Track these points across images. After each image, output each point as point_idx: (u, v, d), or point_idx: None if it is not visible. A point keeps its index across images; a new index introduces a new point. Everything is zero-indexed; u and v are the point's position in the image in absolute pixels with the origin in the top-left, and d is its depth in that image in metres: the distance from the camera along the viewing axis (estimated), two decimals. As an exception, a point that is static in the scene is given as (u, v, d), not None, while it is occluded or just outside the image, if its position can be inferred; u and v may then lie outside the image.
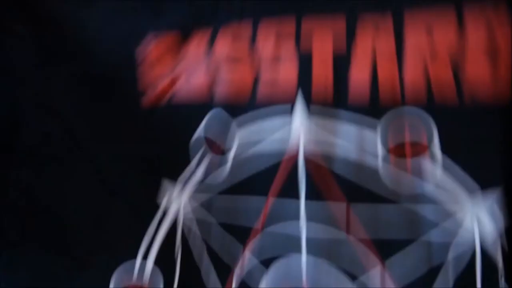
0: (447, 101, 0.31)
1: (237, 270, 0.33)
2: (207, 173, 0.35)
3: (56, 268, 0.37)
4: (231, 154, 0.35)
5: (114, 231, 0.37)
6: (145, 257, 0.35)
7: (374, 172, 0.31)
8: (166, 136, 0.37)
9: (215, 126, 0.35)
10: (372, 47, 0.32)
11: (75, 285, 0.36)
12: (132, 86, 0.38)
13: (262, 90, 0.35)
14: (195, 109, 0.36)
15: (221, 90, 0.35)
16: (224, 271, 0.33)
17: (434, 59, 0.31)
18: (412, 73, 0.31)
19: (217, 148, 0.35)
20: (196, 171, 0.35)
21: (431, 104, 0.31)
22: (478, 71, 0.30)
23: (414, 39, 0.32)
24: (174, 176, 0.36)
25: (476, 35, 0.30)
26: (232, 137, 0.35)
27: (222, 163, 0.35)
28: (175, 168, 0.36)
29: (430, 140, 0.31)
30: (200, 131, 0.36)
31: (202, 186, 0.35)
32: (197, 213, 0.35)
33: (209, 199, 0.35)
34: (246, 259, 0.33)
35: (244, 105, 0.35)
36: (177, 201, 0.36)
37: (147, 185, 0.36)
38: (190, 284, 0.34)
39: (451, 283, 0.29)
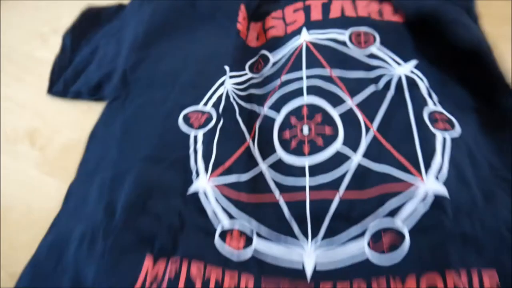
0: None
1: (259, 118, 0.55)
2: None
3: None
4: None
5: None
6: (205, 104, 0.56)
7: (343, 44, 0.57)
8: None
9: None
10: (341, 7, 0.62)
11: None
12: None
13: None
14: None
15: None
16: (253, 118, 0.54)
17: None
18: (361, 10, 0.61)
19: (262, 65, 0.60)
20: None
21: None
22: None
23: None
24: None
25: None
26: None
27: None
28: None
29: (374, 36, 0.58)
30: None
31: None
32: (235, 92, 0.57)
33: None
34: (265, 110, 0.55)
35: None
36: (228, 81, 0.57)
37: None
38: (229, 124, 0.53)
39: (389, 97, 0.52)
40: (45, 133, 0.62)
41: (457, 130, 0.50)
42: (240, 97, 0.57)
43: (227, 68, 0.58)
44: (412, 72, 0.54)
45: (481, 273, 0.39)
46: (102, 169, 0.53)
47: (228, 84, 0.57)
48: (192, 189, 0.49)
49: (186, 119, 0.54)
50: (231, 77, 0.58)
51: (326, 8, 0.62)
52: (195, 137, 0.53)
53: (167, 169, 0.50)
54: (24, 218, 0.54)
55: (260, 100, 0.56)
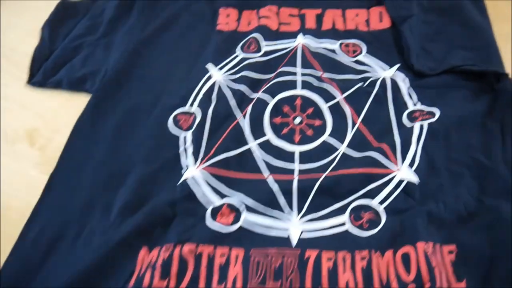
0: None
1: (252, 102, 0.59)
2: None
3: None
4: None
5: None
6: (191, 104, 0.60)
7: (334, 52, 0.64)
8: None
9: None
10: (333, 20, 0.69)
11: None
12: None
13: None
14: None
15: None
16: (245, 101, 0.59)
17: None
18: (349, 23, 0.68)
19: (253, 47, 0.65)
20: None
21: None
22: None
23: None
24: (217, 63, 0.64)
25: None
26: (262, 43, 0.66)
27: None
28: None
29: (361, 47, 0.64)
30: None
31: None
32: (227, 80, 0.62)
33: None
34: (259, 94, 0.60)
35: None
36: (217, 73, 0.63)
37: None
38: (221, 113, 0.58)
39: (374, 93, 0.59)
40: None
41: (436, 116, 0.55)
42: (233, 80, 0.62)
43: (209, 65, 0.63)
44: (394, 75, 0.60)
45: (442, 248, 0.45)
46: (92, 165, 0.55)
47: (218, 76, 0.62)
48: (181, 179, 0.52)
49: (176, 121, 0.58)
50: (220, 68, 0.63)
51: (319, 18, 0.69)
52: (185, 137, 0.56)
53: (160, 169, 0.53)
54: (24, 218, 0.53)
55: (254, 85, 0.61)
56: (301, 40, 0.66)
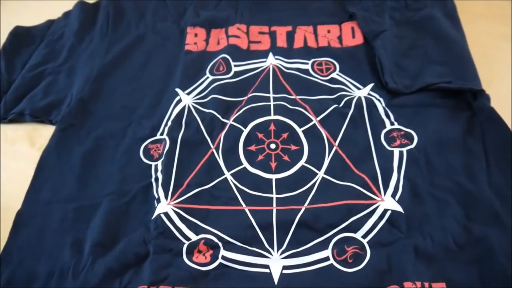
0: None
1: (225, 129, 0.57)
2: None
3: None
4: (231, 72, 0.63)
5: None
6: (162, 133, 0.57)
7: (307, 72, 0.62)
8: None
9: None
10: (304, 37, 0.67)
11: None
12: None
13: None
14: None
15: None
16: (217, 128, 0.57)
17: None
18: (321, 40, 0.66)
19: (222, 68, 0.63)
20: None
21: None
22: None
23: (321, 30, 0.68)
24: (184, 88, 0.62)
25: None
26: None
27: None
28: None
29: (334, 65, 0.62)
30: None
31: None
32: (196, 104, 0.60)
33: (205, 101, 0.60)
34: (230, 121, 0.57)
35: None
36: (186, 97, 0.60)
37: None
38: (191, 140, 0.56)
39: (350, 115, 0.56)
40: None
41: (414, 142, 0.53)
42: (202, 104, 0.59)
43: (178, 90, 0.61)
44: (370, 94, 0.58)
45: (432, 285, 0.43)
46: (60, 200, 0.52)
47: (187, 100, 0.59)
48: (154, 215, 0.49)
49: (146, 151, 0.55)
50: (189, 93, 0.61)
51: (290, 36, 0.66)
52: (156, 166, 0.54)
53: (131, 202, 0.51)
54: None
55: (225, 109, 0.58)
56: (272, 61, 0.63)
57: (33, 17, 0.74)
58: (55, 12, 0.75)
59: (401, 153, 0.53)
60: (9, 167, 0.59)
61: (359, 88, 0.60)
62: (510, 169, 0.50)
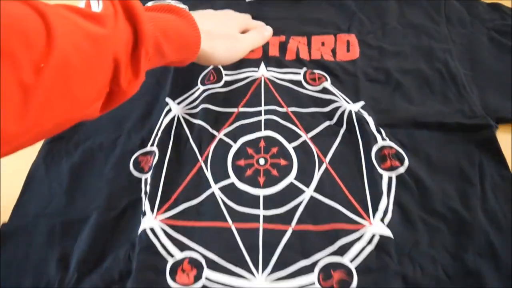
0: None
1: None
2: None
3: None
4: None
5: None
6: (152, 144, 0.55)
7: (299, 84, 0.60)
8: None
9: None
10: (297, 48, 0.64)
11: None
12: None
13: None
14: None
15: None
16: (206, 140, 0.55)
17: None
18: (314, 52, 0.63)
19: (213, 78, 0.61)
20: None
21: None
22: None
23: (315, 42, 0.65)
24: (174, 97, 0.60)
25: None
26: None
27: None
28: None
29: (326, 77, 0.60)
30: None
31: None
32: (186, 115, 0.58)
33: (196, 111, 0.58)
34: (221, 135, 0.55)
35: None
36: (176, 107, 0.58)
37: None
38: (180, 151, 0.54)
39: (342, 132, 0.55)
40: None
41: (405, 165, 0.51)
42: (192, 115, 0.57)
43: (168, 100, 0.59)
44: (359, 111, 0.56)
45: None
46: (48, 213, 0.51)
47: (177, 110, 0.58)
48: (140, 230, 0.47)
49: (137, 163, 0.54)
50: (179, 102, 0.59)
51: (283, 47, 0.64)
52: (146, 180, 0.52)
53: (119, 217, 0.49)
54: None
55: (214, 120, 0.56)
56: (264, 71, 0.61)
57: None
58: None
59: (390, 178, 0.50)
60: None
61: (348, 103, 0.57)
62: (505, 195, 0.47)
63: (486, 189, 0.48)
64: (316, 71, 0.60)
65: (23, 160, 0.57)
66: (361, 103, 0.57)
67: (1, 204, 0.54)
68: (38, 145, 0.58)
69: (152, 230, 0.47)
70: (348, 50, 0.63)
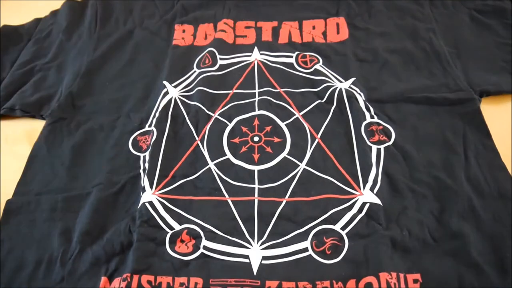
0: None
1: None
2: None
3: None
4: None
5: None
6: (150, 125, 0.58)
7: (291, 66, 0.63)
8: None
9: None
10: (289, 33, 0.67)
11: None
12: None
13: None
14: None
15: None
16: (202, 120, 0.58)
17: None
18: (306, 35, 0.67)
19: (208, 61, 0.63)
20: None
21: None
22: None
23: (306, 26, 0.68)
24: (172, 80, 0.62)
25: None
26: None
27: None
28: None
29: (318, 58, 0.63)
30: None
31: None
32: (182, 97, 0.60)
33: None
34: (216, 115, 0.58)
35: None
36: (173, 90, 0.61)
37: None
38: (177, 132, 0.57)
39: (332, 109, 0.58)
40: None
41: (392, 138, 0.53)
42: (188, 97, 0.59)
43: (165, 83, 0.61)
44: (351, 87, 0.58)
45: (406, 277, 0.43)
46: (50, 190, 0.52)
47: (174, 93, 0.60)
48: (139, 204, 0.49)
49: (135, 142, 0.56)
50: (176, 86, 0.61)
51: (275, 31, 0.66)
52: (144, 157, 0.54)
53: (120, 192, 0.51)
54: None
55: (210, 101, 0.59)
56: (257, 55, 0.63)
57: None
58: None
59: (378, 149, 0.52)
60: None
61: (340, 81, 0.59)
62: (488, 163, 0.50)
63: (470, 158, 0.51)
64: (308, 54, 0.63)
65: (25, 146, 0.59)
66: (352, 79, 0.59)
67: (3, 184, 0.56)
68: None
69: (151, 204, 0.49)
70: (338, 32, 0.66)
